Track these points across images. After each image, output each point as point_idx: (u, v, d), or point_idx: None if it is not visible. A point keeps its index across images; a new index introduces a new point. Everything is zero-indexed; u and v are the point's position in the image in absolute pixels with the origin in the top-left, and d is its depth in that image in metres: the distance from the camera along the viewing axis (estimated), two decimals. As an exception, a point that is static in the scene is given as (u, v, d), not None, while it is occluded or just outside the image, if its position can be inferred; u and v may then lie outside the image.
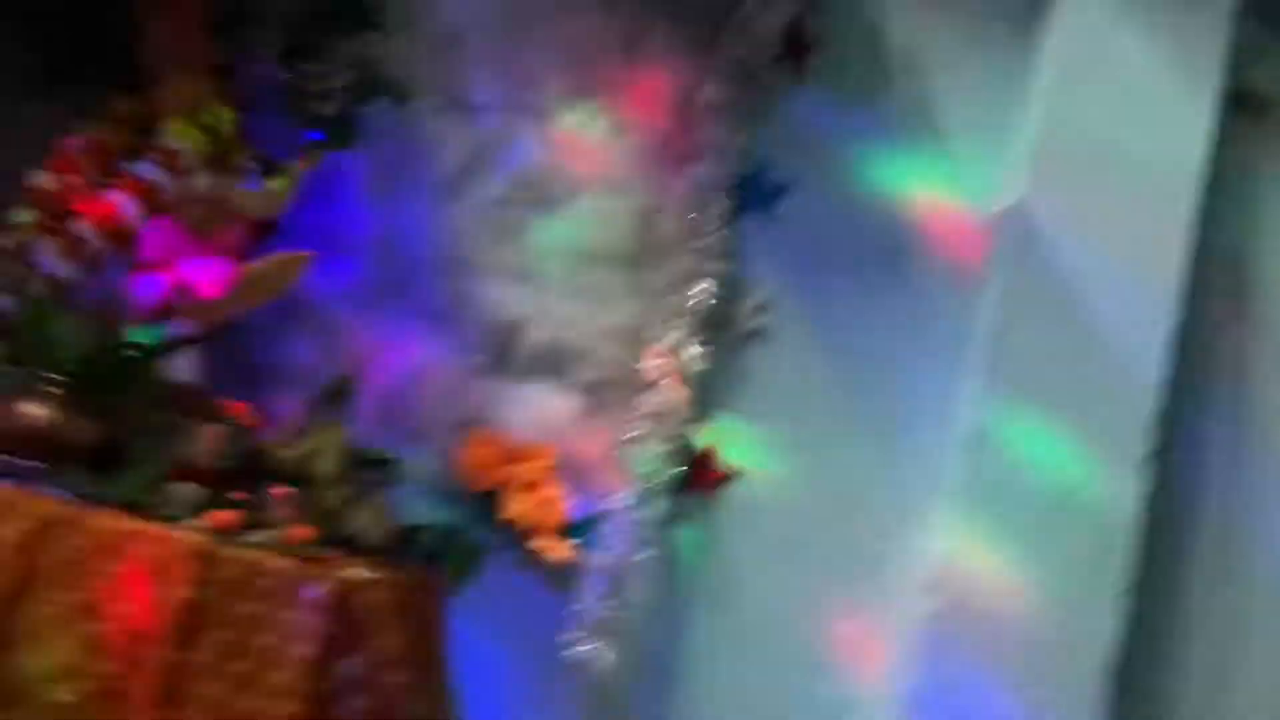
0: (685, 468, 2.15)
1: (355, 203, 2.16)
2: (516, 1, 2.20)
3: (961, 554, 2.07)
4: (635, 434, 2.15)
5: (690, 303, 2.15)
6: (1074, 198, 2.16)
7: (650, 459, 2.14)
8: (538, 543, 2.12)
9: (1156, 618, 2.15)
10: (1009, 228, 2.18)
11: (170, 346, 1.75)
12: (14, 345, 1.67)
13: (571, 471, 2.16)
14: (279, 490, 1.72)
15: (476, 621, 2.00)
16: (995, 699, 2.03)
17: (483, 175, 2.21)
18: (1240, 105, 2.21)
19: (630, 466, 2.15)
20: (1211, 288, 2.21)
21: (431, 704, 1.75)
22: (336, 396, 2.08)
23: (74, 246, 1.73)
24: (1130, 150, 2.16)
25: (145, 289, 1.75)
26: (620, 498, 2.14)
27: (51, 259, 1.73)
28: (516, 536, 2.13)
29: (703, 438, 2.18)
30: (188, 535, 1.53)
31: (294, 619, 1.52)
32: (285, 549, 1.60)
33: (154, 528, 1.51)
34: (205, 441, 1.67)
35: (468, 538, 2.11)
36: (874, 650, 2.13)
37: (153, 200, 1.78)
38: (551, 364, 2.20)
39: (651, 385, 2.16)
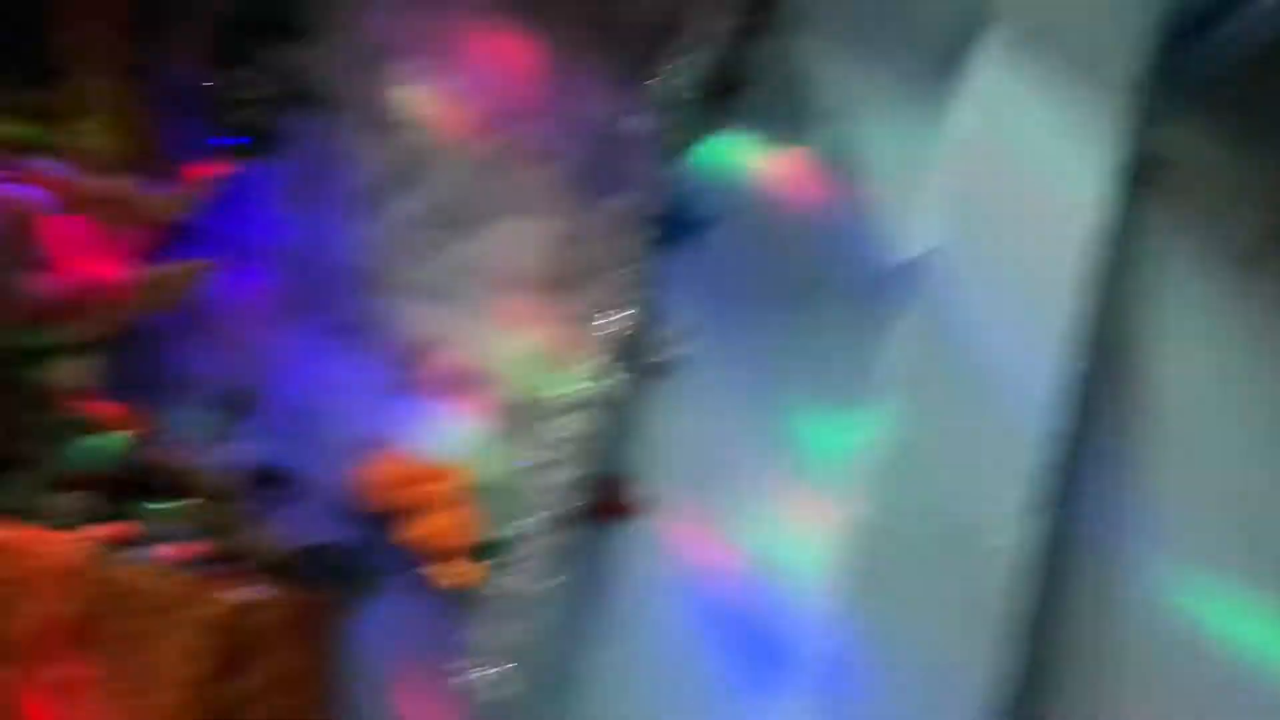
0: (593, 495, 2.15)
1: (271, 212, 2.12)
2: (443, 21, 2.19)
3: (856, 589, 2.10)
4: (545, 460, 2.14)
5: (608, 331, 2.15)
6: (977, 251, 2.22)
7: (559, 485, 2.13)
8: (442, 565, 2.09)
9: (1042, 660, 2.21)
10: (915, 276, 2.24)
11: (63, 349, 1.69)
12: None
13: (478, 494, 2.13)
14: (172, 503, 1.68)
15: (372, 644, 1.96)
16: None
17: (402, 192, 2.20)
18: (1139, 169, 2.31)
19: (539, 491, 2.13)
20: (1106, 347, 2.30)
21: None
22: (237, 408, 2.03)
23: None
24: (1030, 208, 2.23)
25: (42, 287, 1.69)
26: (527, 523, 2.12)
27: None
28: (419, 558, 2.10)
29: (613, 466, 2.17)
30: (75, 546, 1.48)
31: (181, 639, 1.48)
32: (176, 565, 1.55)
33: (40, 537, 1.46)
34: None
35: (366, 558, 2.07)
36: (776, 685, 2.14)
37: (56, 197, 1.72)
38: (463, 386, 2.18)
39: (564, 411, 2.15)
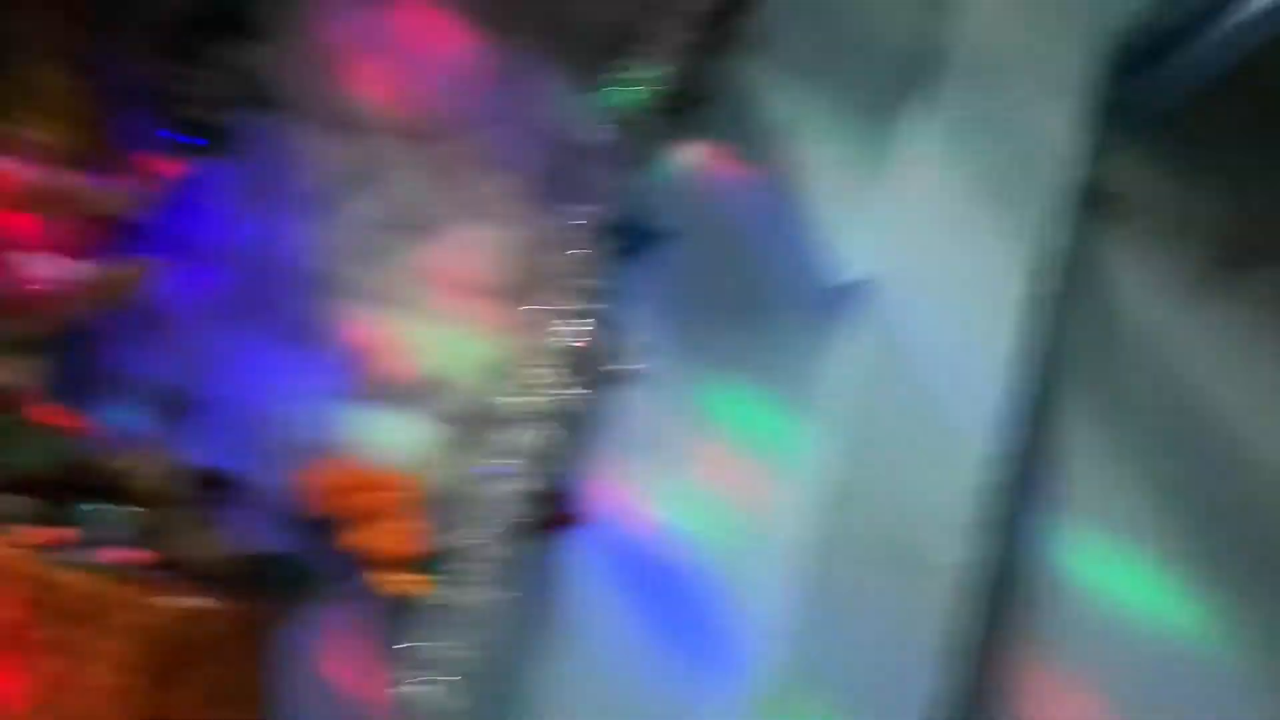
0: (544, 507, 2.13)
1: (221, 212, 2.08)
2: (401, 24, 2.17)
3: (802, 607, 2.11)
4: (496, 470, 2.12)
5: (563, 341, 2.14)
6: (925, 273, 2.25)
7: (510, 496, 2.11)
8: (386, 575, 2.06)
9: (980, 675, 2.23)
10: (863, 295, 2.26)
11: (6, 347, 1.64)
12: None
13: (426, 504, 2.11)
14: (112, 507, 1.64)
15: (312, 653, 1.92)
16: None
17: (356, 195, 2.17)
18: (1089, 197, 2.35)
19: (489, 502, 2.11)
20: (1055, 370, 2.33)
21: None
22: (178, 410, 1.99)
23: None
24: (978, 232, 2.26)
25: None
26: (476, 534, 2.10)
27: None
28: (363, 567, 2.07)
29: (563, 478, 2.16)
30: (11, 549, 1.43)
31: (117, 647, 1.44)
32: (115, 571, 1.51)
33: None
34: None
35: (307, 566, 2.04)
36: (717, 695, 2.13)
37: (1, 191, 1.68)
38: (414, 393, 2.15)
39: (516, 421, 2.13)
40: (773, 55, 2.31)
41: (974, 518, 2.16)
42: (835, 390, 2.22)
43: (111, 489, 1.67)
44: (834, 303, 2.26)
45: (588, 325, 2.13)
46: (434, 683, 2.02)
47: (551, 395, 2.14)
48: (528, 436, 2.13)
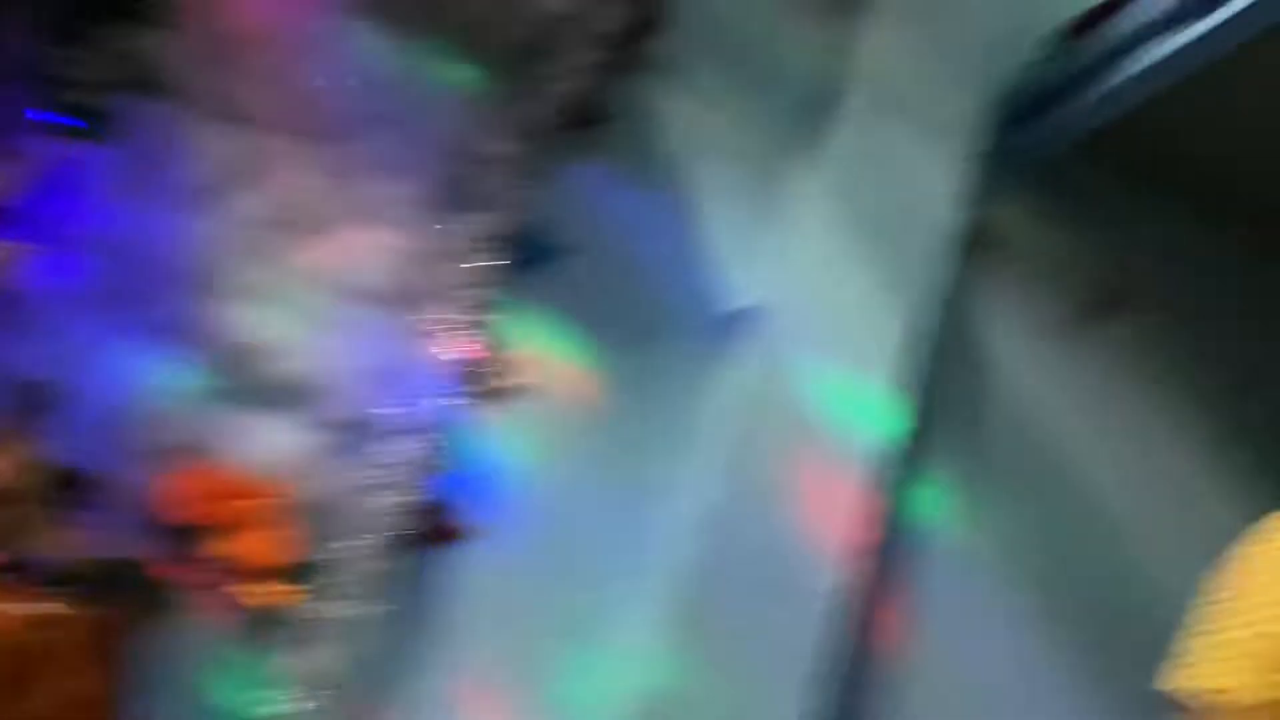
0: (422, 520, 2.09)
1: (96, 199, 1.99)
2: (297, 19, 2.12)
3: (670, 637, 2.12)
4: (373, 481, 2.07)
5: (450, 353, 2.10)
6: (810, 307, 2.30)
7: (387, 508, 2.06)
8: (252, 585, 1.99)
9: (850, 700, 2.27)
10: (751, 325, 2.29)
11: None
12: None
13: (299, 513, 2.04)
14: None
15: (169, 662, 1.85)
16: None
17: (241, 190, 2.10)
18: (973, 239, 2.44)
19: (365, 513, 2.06)
20: (937, 406, 2.40)
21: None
22: (38, 403, 1.90)
23: None
24: (863, 270, 2.33)
25: None
26: (349, 546, 2.04)
27: None
28: (227, 576, 1.99)
29: (444, 491, 2.12)
30: None
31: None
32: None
33: None
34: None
35: (166, 573, 1.96)
36: (591, 711, 2.12)
37: None
38: (291, 397, 2.08)
39: (398, 432, 2.09)
40: (678, 81, 2.33)
41: (848, 546, 2.20)
42: (717, 415, 2.24)
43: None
44: (722, 329, 2.29)
45: (478, 337, 2.11)
46: (302, 699, 1.96)
47: (436, 407, 2.10)
48: (410, 447, 2.09)
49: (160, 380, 2.04)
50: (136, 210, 2.04)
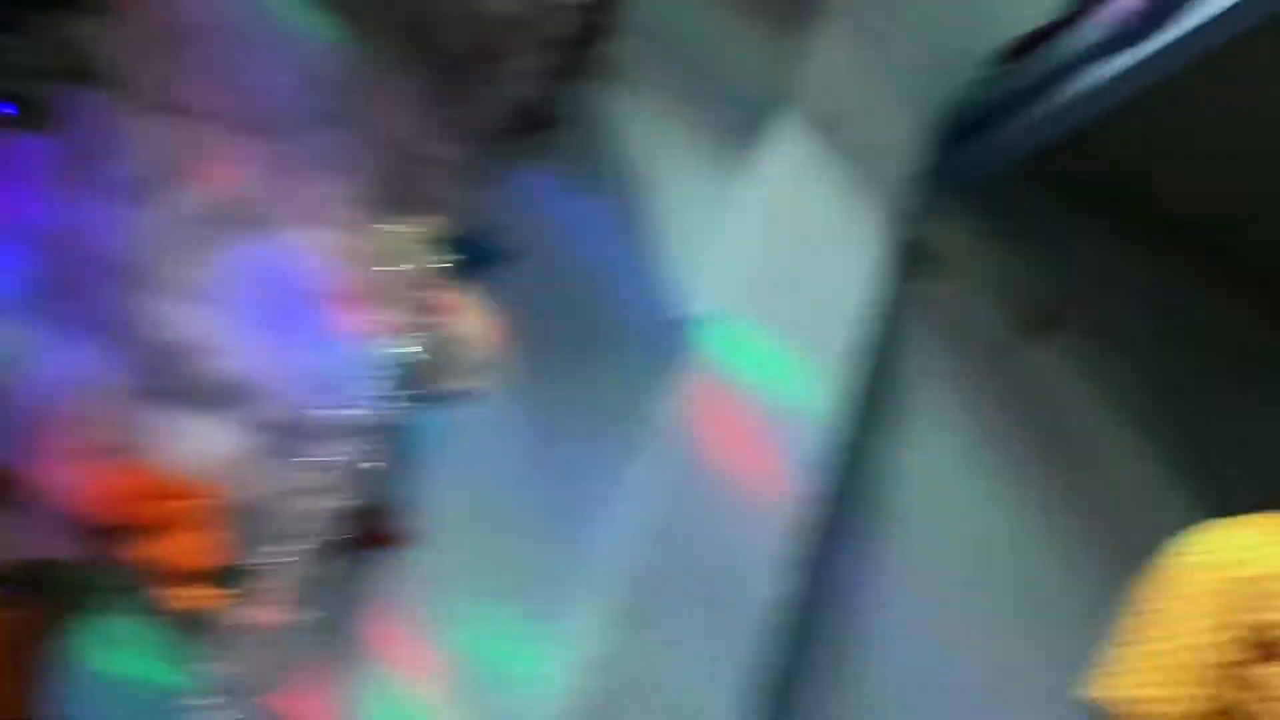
0: (357, 525, 2.06)
1: (27, 189, 1.94)
2: (248, 14, 2.09)
3: (610, 642, 2.11)
4: (308, 485, 2.04)
5: (392, 355, 2.08)
6: (757, 314, 2.32)
7: (320, 512, 2.03)
8: (177, 589, 1.95)
9: (788, 711, 2.29)
10: (699, 333, 2.31)
11: None
12: None
13: (230, 516, 2.00)
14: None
15: (91, 669, 1.80)
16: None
17: (180, 184, 2.06)
18: (909, 256, 2.48)
19: (297, 517, 2.02)
20: (870, 419, 2.43)
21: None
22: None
23: None
24: (807, 279, 2.36)
25: None
26: (280, 550, 2.01)
27: None
28: (153, 579, 1.95)
29: (380, 495, 2.10)
30: None
31: None
32: None
33: None
34: None
35: (90, 575, 1.91)
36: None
37: None
38: (224, 397, 2.05)
39: (335, 435, 2.06)
40: (629, 88, 2.34)
41: (787, 556, 2.22)
42: (663, 421, 2.25)
43: None
44: (668, 336, 2.30)
45: (420, 340, 2.09)
46: (225, 706, 1.92)
47: (375, 409, 2.08)
48: (346, 450, 2.06)
49: (89, 376, 1.99)
50: (70, 202, 1.99)
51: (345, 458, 2.04)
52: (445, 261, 2.13)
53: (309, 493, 2.02)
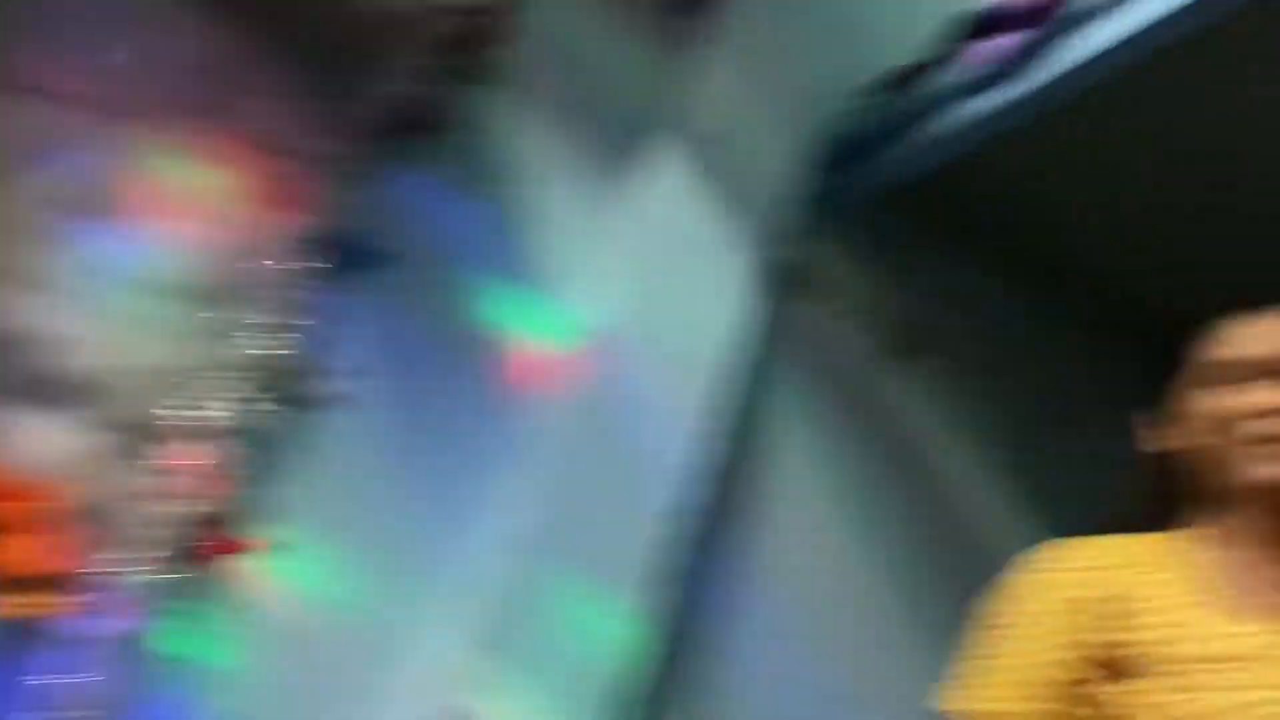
0: (209, 532, 1.96)
1: None
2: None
3: (473, 656, 2.07)
4: (154, 488, 1.94)
5: (252, 355, 2.00)
6: (634, 332, 2.31)
7: (168, 518, 1.93)
8: (12, 595, 1.83)
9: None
10: (578, 347, 2.28)
11: None
12: None
13: (72, 520, 1.89)
14: None
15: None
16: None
17: (25, 170, 1.95)
18: (783, 276, 2.51)
19: (141, 523, 1.92)
20: (742, 437, 2.45)
21: None
22: None
23: None
24: (685, 298, 2.36)
25: None
26: (127, 557, 1.90)
27: None
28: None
29: (231, 505, 2.01)
30: None
31: None
32: None
33: None
34: None
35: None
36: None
37: None
38: (71, 394, 1.93)
39: (185, 437, 1.97)
40: (516, 95, 2.31)
41: (650, 572, 2.21)
42: (537, 433, 2.22)
43: None
44: (547, 347, 2.27)
45: (283, 340, 2.01)
46: (59, 718, 1.80)
47: (232, 411, 1.99)
48: (199, 454, 1.97)
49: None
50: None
51: (198, 461, 1.95)
52: (314, 261, 2.06)
53: (157, 497, 1.93)
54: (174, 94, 2.03)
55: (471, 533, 2.16)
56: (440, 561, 2.14)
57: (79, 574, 1.87)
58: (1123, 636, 1.55)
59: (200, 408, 1.97)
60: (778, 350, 2.49)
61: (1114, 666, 1.56)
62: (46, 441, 1.91)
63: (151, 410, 1.96)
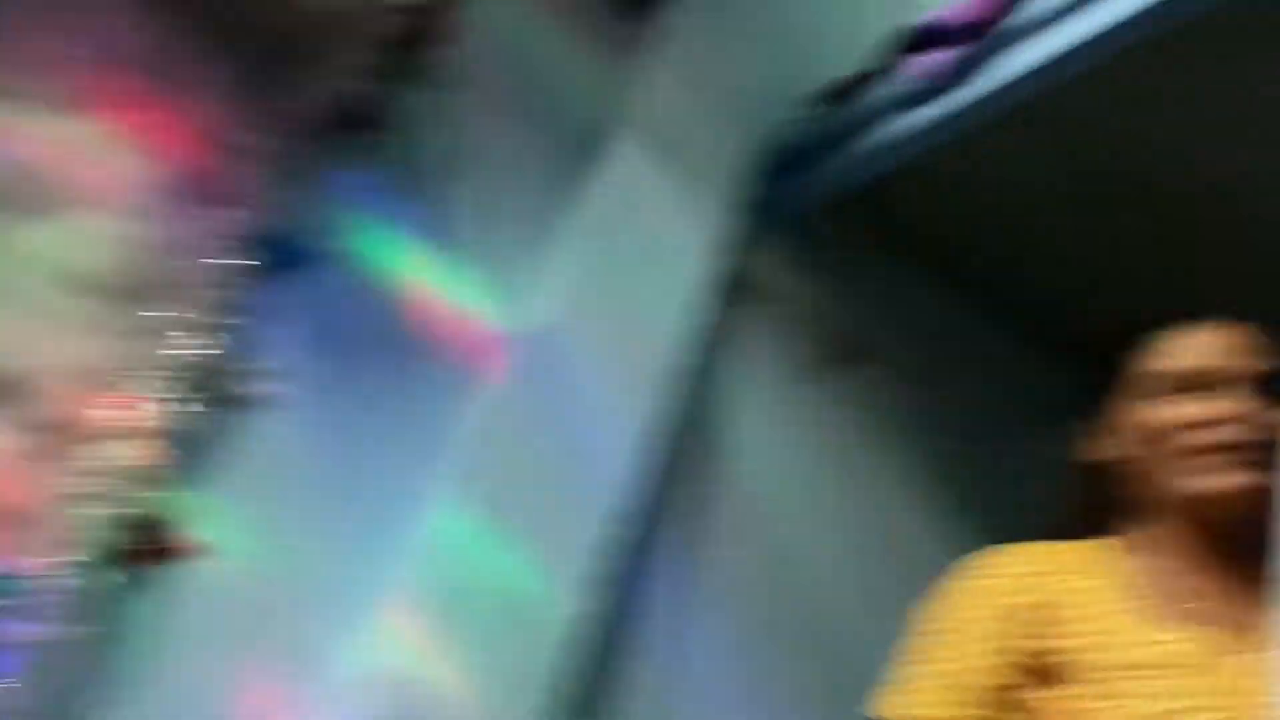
0: (136, 535, 1.90)
1: None
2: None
3: (407, 656, 2.03)
4: (83, 489, 1.88)
5: (182, 354, 1.94)
6: (579, 335, 2.29)
7: (96, 521, 1.87)
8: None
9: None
10: (524, 348, 2.26)
11: None
12: None
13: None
14: None
15: None
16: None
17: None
18: (730, 283, 2.51)
19: (71, 526, 1.86)
20: (684, 440, 2.44)
21: None
22: None
23: None
24: (633, 301, 2.35)
25: None
26: (52, 560, 1.84)
27: None
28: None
29: (163, 505, 1.95)
30: None
31: None
32: None
33: None
34: None
35: None
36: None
37: None
38: (-6, 393, 1.86)
39: (114, 437, 1.90)
40: (461, 96, 2.28)
41: (590, 576, 2.19)
42: (474, 438, 2.19)
43: None
44: (481, 353, 2.24)
45: (213, 340, 1.96)
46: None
47: (163, 411, 1.94)
48: (126, 455, 1.91)
49: None
50: None
51: (125, 463, 1.90)
52: (248, 259, 2.01)
53: (84, 499, 1.87)
54: (108, 85, 1.97)
55: (407, 536, 2.12)
56: (373, 565, 2.10)
57: (5, 577, 1.81)
58: (1052, 643, 1.56)
59: (130, 408, 1.91)
60: (721, 356, 2.48)
61: (1044, 673, 1.57)
62: (-34, 441, 1.84)
63: (80, 410, 1.90)
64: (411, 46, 2.14)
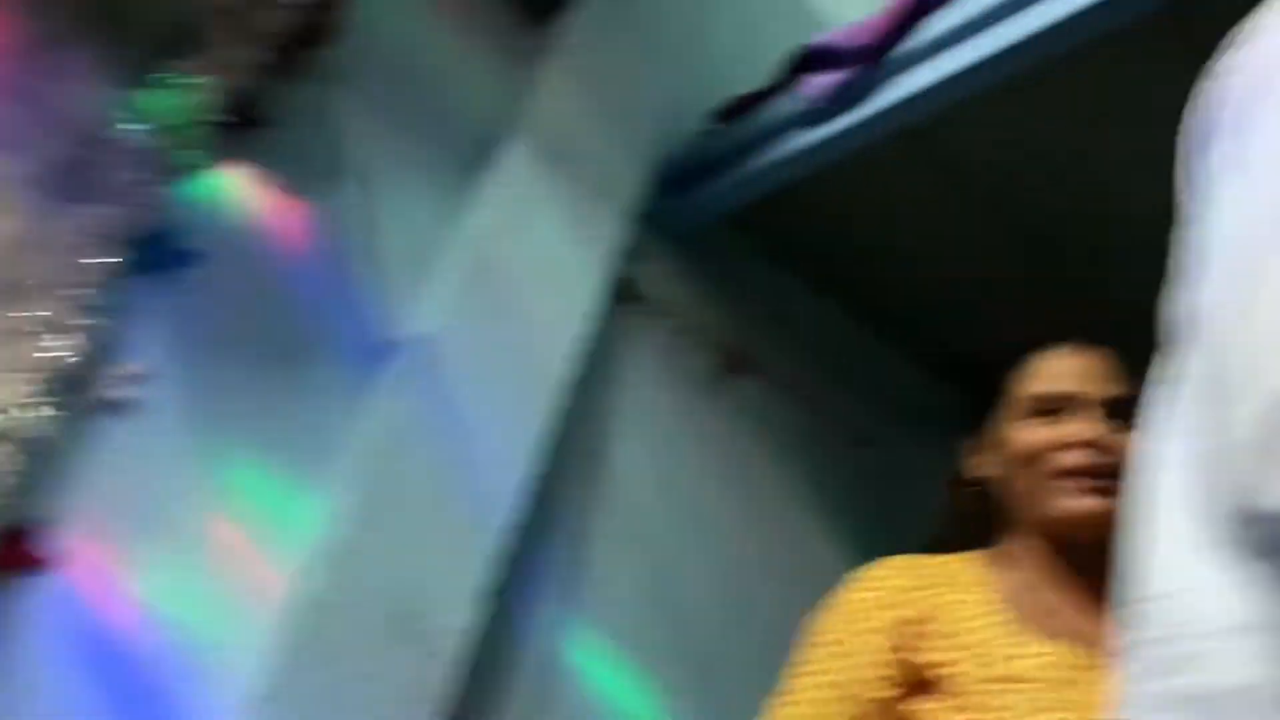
0: (-3, 543, 1.77)
1: None
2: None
3: (290, 668, 1.94)
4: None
5: (46, 356, 1.81)
6: (470, 341, 2.23)
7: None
8: None
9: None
10: (410, 356, 2.19)
11: None
12: None
13: None
14: None
15: None
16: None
17: None
18: (620, 294, 2.49)
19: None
20: (571, 451, 2.40)
21: None
22: None
23: None
24: (524, 309, 2.30)
25: None
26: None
27: None
28: None
29: (27, 511, 1.82)
30: None
31: None
32: None
33: None
34: None
35: None
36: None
37: None
38: None
39: (-32, 442, 1.77)
40: (351, 94, 2.20)
41: (477, 587, 2.13)
42: (357, 447, 2.11)
43: None
44: (372, 358, 2.16)
45: (76, 341, 1.84)
46: None
47: (23, 416, 1.81)
48: (-14, 461, 1.77)
49: None
50: None
51: (-20, 470, 1.76)
52: (121, 258, 1.90)
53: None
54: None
55: (283, 545, 2.03)
56: (245, 575, 2.00)
57: None
58: (929, 657, 1.57)
59: (-10, 411, 1.78)
60: (609, 366, 2.46)
61: (923, 685, 1.58)
62: None
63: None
64: (298, 43, 2.06)
